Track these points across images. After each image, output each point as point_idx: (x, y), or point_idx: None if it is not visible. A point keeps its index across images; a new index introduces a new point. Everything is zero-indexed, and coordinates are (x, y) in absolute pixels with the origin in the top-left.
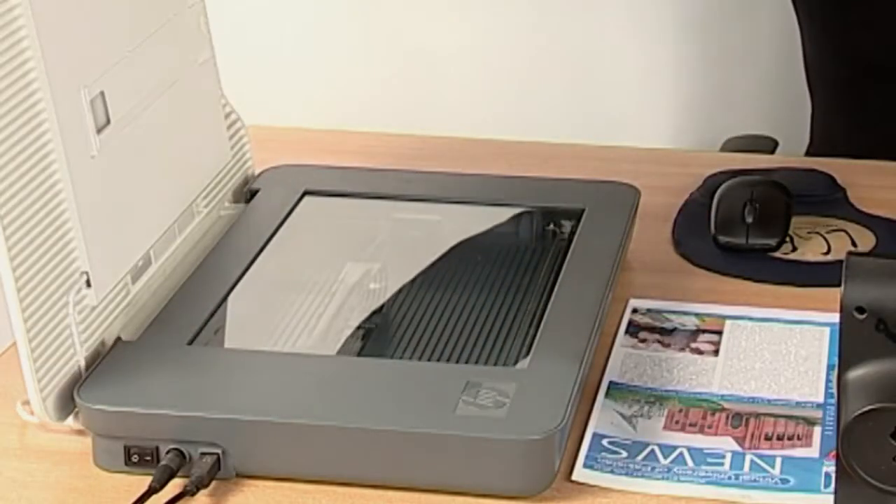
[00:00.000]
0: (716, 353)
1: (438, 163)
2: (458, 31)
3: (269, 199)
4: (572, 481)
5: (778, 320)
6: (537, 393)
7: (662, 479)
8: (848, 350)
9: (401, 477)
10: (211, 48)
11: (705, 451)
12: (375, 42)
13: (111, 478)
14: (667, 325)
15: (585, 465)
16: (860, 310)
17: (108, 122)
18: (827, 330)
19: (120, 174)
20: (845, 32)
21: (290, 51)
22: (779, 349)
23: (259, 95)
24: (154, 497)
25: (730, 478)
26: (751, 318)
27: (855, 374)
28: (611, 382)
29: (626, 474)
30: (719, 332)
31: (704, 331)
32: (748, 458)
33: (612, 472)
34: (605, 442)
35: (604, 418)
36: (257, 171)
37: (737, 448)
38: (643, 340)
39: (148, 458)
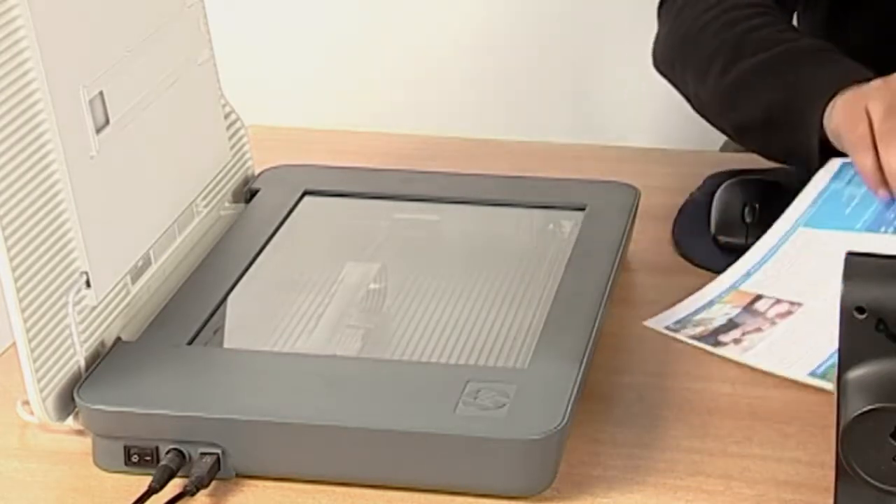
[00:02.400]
0: (788, 314)
1: (438, 163)
2: (459, 30)
3: (268, 199)
4: None
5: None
6: (537, 393)
7: None
8: (848, 350)
9: (401, 477)
10: (211, 48)
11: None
12: (375, 42)
13: (111, 478)
14: (710, 325)
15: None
16: (860, 310)
17: (108, 122)
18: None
19: (119, 174)
20: None
21: (290, 51)
22: (816, 253)
23: (259, 95)
24: (154, 497)
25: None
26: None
27: (855, 374)
28: None
29: None
30: (756, 298)
31: (740, 308)
32: None
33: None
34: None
35: None
36: (257, 171)
37: None
38: (723, 343)
39: (148, 458)
